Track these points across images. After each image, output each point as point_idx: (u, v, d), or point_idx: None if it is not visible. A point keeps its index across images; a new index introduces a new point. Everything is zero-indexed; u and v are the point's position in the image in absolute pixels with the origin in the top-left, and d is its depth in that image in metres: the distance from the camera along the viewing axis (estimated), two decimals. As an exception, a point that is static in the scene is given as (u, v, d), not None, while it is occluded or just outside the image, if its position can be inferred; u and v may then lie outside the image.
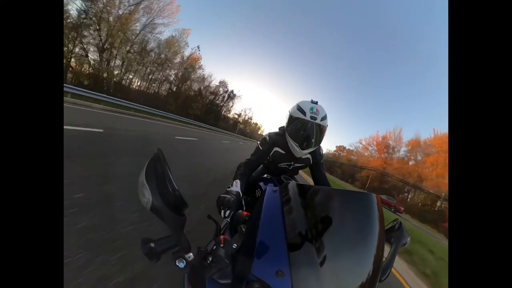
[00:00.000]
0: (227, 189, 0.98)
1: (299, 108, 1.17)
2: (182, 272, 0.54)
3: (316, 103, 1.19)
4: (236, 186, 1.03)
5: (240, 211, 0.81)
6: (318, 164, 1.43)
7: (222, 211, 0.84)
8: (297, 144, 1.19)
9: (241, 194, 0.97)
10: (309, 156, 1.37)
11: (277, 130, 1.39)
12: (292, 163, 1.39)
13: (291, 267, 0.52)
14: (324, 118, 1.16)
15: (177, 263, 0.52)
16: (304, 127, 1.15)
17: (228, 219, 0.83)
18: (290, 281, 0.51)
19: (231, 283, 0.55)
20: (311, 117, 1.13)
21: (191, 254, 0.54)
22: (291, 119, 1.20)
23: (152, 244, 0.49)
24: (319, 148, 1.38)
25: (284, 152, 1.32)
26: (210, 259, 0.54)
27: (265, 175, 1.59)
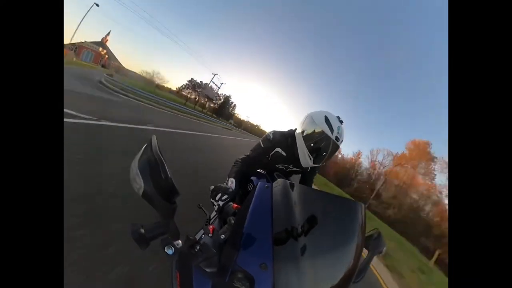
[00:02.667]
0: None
1: (327, 121, 1.11)
2: (170, 258, 0.54)
3: (342, 122, 1.16)
4: (231, 186, 1.02)
5: (230, 203, 0.83)
6: (312, 174, 1.45)
7: (219, 194, 0.83)
8: (311, 157, 1.16)
9: (235, 194, 0.96)
10: None
11: (281, 130, 1.35)
12: (291, 166, 1.37)
13: (274, 261, 0.54)
14: (342, 141, 1.15)
15: (165, 250, 0.52)
16: (327, 143, 1.11)
17: (219, 206, 0.83)
18: (272, 274, 0.53)
19: (217, 271, 0.56)
20: (336, 138, 1.10)
21: (180, 241, 0.55)
22: (312, 125, 1.15)
23: (142, 230, 0.49)
24: None
25: (285, 155, 1.29)
26: (198, 247, 0.54)
27: (259, 170, 1.58)
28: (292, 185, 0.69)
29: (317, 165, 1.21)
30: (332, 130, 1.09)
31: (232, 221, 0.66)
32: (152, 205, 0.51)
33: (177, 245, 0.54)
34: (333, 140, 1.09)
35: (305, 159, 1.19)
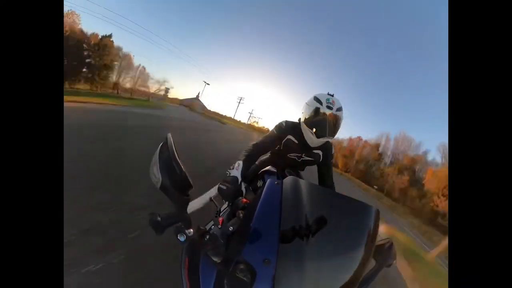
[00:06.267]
0: (227, 172, 1.03)
1: (316, 98, 1.23)
2: (181, 245, 0.60)
3: (332, 95, 1.26)
4: (237, 169, 1.04)
5: (240, 197, 0.85)
6: (327, 163, 1.43)
7: (224, 199, 0.88)
8: (313, 132, 1.21)
9: (239, 180, 0.99)
10: (320, 152, 1.37)
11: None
12: (303, 155, 1.38)
13: (278, 258, 0.55)
14: (339, 109, 1.21)
15: (178, 237, 0.58)
16: (321, 115, 1.20)
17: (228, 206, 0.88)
18: (274, 270, 0.54)
19: (222, 261, 0.59)
20: (327, 107, 1.19)
21: (191, 230, 0.60)
22: (308, 108, 1.25)
23: (159, 218, 0.56)
24: (331, 147, 1.41)
25: (297, 142, 1.33)
26: (207, 237, 0.58)
27: (270, 167, 1.57)
28: (303, 183, 0.69)
29: (322, 138, 1.23)
30: (321, 103, 1.20)
31: (241, 215, 0.68)
32: (168, 197, 0.57)
33: (189, 233, 0.59)
34: (325, 109, 1.19)
35: (309, 137, 1.25)
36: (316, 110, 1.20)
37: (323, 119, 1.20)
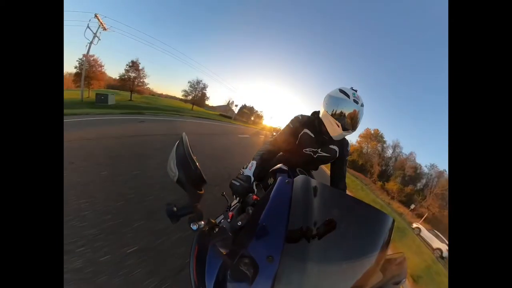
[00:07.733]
0: (241, 171, 1.05)
1: (342, 91, 1.22)
2: (193, 233, 0.67)
3: (356, 90, 1.25)
4: (250, 169, 1.06)
5: (250, 194, 0.87)
6: (343, 160, 1.40)
7: (234, 195, 0.92)
8: (339, 124, 1.20)
9: (252, 179, 1.00)
10: (336, 148, 1.35)
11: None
12: (318, 150, 1.35)
13: (282, 256, 0.55)
14: (363, 105, 1.21)
15: (191, 226, 0.65)
16: (348, 107, 1.20)
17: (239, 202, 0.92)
18: (277, 268, 0.54)
19: (228, 253, 0.61)
20: (354, 101, 1.19)
21: (203, 222, 0.66)
22: (333, 100, 1.23)
23: (175, 208, 0.62)
24: (348, 144, 1.40)
25: (313, 136, 1.32)
26: (217, 229, 0.63)
27: (281, 165, 1.53)
28: (314, 183, 0.68)
29: (347, 131, 1.22)
30: (348, 95, 1.20)
31: (250, 211, 0.71)
32: (184, 190, 0.63)
33: (200, 224, 0.65)
34: (352, 102, 1.18)
35: (333, 128, 1.23)
36: (343, 103, 1.19)
37: (349, 112, 1.20)
